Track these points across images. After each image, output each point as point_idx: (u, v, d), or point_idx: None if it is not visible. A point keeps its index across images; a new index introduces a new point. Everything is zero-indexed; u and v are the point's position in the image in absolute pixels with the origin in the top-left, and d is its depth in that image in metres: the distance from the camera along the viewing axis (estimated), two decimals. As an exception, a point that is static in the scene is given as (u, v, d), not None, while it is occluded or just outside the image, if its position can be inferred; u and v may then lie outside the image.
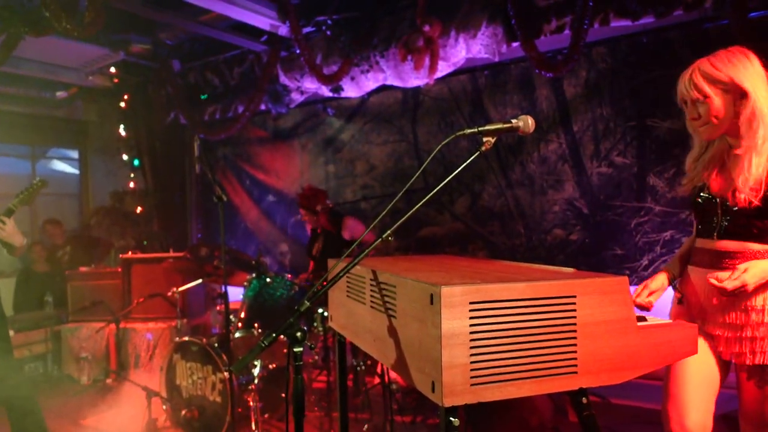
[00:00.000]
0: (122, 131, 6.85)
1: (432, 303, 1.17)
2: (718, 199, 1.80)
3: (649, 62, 4.00)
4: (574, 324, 1.23)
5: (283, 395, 3.63)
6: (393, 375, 3.63)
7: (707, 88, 1.72)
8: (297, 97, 5.55)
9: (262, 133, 6.45)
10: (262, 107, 5.69)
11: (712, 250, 1.80)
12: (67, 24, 3.96)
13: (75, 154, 7.75)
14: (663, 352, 1.34)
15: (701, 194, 1.85)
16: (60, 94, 6.69)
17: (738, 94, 1.71)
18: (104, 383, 4.82)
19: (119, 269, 5.26)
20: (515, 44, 4.06)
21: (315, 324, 3.63)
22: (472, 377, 1.16)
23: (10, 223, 2.83)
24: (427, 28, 4.20)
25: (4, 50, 4.63)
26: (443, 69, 4.42)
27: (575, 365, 1.23)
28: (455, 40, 4.22)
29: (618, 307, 1.28)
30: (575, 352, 1.23)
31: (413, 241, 5.20)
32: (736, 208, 1.73)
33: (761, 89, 1.70)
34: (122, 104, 6.72)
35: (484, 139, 1.58)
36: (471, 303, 1.15)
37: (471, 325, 1.15)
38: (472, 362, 1.15)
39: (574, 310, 1.23)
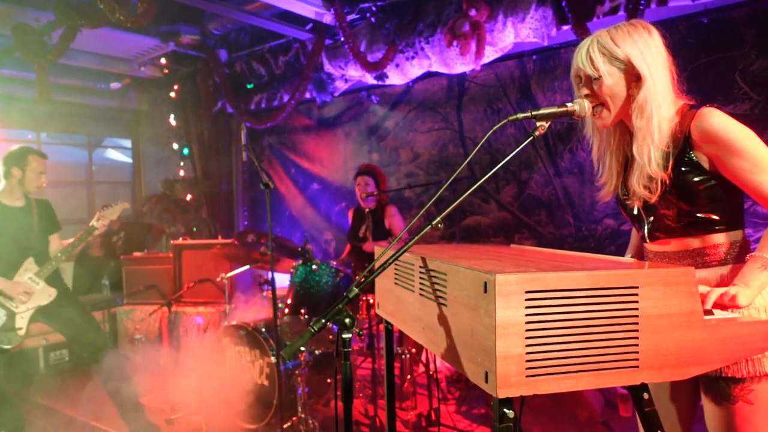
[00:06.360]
0: (172, 121, 7.04)
1: (486, 291, 1.14)
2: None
3: (709, 44, 3.79)
4: (636, 316, 1.18)
5: (329, 380, 3.67)
6: (439, 363, 3.61)
7: (603, 66, 1.52)
8: (341, 85, 5.56)
9: (307, 121, 6.49)
10: (307, 96, 5.73)
11: (652, 253, 1.68)
12: (120, 15, 4.08)
13: (128, 143, 8.03)
14: (732, 347, 1.26)
15: (622, 197, 1.71)
16: (114, 84, 6.92)
17: (633, 76, 1.51)
18: (157, 364, 5.01)
19: (170, 255, 5.43)
20: (566, 27, 3.92)
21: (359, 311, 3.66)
22: (527, 368, 1.12)
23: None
24: (473, 12, 4.11)
25: (62, 43, 4.82)
26: (490, 54, 4.33)
27: (637, 359, 1.18)
28: (503, 24, 4.11)
29: (683, 300, 1.21)
30: (637, 345, 1.18)
31: (458, 230, 5.14)
32: (653, 203, 1.57)
33: (659, 72, 1.50)
34: (172, 94, 6.90)
35: (537, 124, 1.52)
36: (527, 292, 1.11)
37: (527, 315, 1.12)
38: (527, 353, 1.12)
39: (636, 302, 1.18)
